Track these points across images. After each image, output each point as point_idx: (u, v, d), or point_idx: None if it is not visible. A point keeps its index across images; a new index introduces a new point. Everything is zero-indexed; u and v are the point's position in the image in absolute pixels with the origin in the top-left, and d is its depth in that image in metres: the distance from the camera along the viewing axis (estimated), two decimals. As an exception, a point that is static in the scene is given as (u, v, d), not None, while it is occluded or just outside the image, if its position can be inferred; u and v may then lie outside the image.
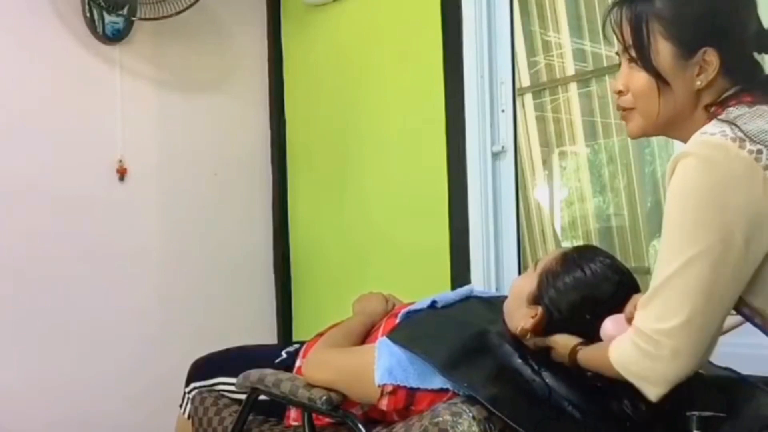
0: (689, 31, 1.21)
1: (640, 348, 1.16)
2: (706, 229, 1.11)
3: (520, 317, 1.51)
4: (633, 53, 1.25)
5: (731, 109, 1.19)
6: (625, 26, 1.25)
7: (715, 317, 1.14)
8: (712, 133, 1.14)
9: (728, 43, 1.21)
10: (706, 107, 1.22)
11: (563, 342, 1.43)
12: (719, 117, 1.18)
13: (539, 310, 1.48)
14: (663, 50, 1.22)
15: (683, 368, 1.14)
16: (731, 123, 1.14)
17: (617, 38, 1.27)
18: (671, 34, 1.21)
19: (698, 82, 1.22)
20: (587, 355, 1.35)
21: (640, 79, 1.25)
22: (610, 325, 1.37)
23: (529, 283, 1.52)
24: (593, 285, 1.45)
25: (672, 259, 1.13)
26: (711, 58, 1.20)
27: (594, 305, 1.43)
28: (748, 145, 1.11)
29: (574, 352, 1.38)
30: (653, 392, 1.17)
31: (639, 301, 1.20)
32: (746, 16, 1.24)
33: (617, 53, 1.31)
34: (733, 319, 1.25)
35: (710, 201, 1.11)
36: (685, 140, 1.27)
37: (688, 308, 1.12)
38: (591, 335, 1.40)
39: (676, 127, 1.27)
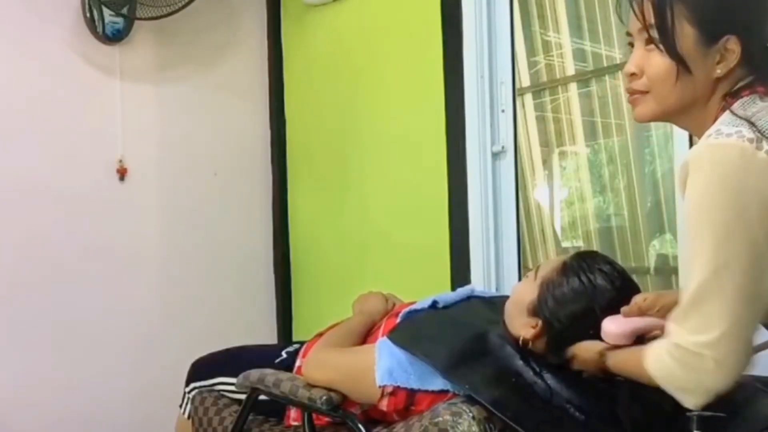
0: (715, 18, 1.18)
1: (681, 362, 1.13)
2: (731, 235, 1.08)
3: (521, 326, 1.51)
4: (654, 34, 1.20)
5: (744, 99, 1.16)
6: (647, 6, 1.20)
7: (752, 323, 1.12)
8: (728, 134, 1.10)
9: (750, 34, 1.18)
10: (723, 96, 1.19)
11: (586, 347, 1.39)
12: (733, 109, 1.15)
13: (539, 322, 1.47)
14: (687, 35, 1.18)
15: (728, 378, 1.12)
16: (748, 121, 1.11)
17: (636, 17, 1.22)
18: (696, 19, 1.17)
19: (718, 71, 1.18)
20: (619, 362, 1.31)
21: (660, 63, 1.20)
22: (612, 325, 1.35)
23: (530, 291, 1.51)
24: (593, 296, 1.43)
25: (701, 270, 1.10)
26: (733, 46, 1.17)
27: (594, 315, 1.40)
28: (766, 145, 1.08)
29: (602, 355, 1.35)
30: (694, 402, 1.15)
31: (672, 315, 1.17)
32: (766, 9, 1.22)
33: (628, 33, 1.26)
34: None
35: (732, 207, 1.08)
36: (692, 129, 1.25)
37: (727, 317, 1.09)
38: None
39: (688, 114, 1.23)
